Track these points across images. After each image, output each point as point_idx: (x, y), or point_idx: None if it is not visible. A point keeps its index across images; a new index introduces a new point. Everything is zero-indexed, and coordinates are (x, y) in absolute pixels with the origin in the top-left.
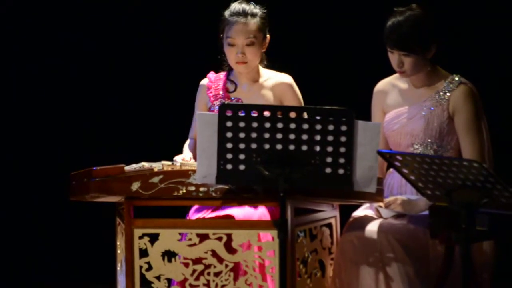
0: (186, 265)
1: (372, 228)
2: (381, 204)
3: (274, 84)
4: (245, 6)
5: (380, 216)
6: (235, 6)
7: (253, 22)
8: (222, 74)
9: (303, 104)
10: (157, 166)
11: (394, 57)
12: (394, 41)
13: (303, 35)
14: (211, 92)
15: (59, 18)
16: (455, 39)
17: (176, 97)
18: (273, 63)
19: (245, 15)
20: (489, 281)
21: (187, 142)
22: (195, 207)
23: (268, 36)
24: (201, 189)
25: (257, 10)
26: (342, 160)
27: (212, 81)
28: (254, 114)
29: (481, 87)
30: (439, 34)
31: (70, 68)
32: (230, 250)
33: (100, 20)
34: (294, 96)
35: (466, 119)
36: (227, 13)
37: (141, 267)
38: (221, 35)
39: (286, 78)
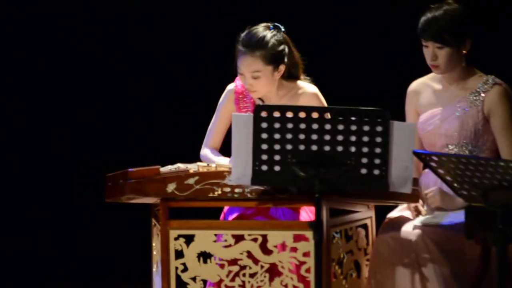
0: (222, 266)
1: (407, 228)
2: (420, 203)
3: (299, 95)
4: (254, 35)
5: (418, 214)
6: (245, 34)
7: (259, 56)
8: None
9: None
10: (192, 167)
11: (428, 51)
12: (429, 32)
13: (336, 37)
14: (239, 103)
15: (69, 17)
16: (491, 39)
17: (212, 99)
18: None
19: (252, 48)
20: None
21: (208, 151)
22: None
23: (282, 65)
24: (236, 190)
25: (268, 38)
26: (377, 161)
27: (239, 90)
28: (289, 115)
29: None
30: (475, 28)
31: (107, 69)
32: (266, 251)
33: (121, 20)
34: (321, 105)
35: (502, 120)
36: (239, 38)
37: (176, 268)
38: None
39: (311, 88)
